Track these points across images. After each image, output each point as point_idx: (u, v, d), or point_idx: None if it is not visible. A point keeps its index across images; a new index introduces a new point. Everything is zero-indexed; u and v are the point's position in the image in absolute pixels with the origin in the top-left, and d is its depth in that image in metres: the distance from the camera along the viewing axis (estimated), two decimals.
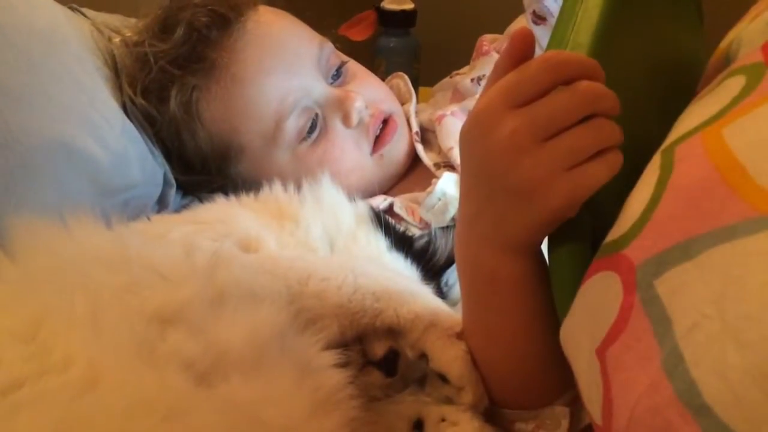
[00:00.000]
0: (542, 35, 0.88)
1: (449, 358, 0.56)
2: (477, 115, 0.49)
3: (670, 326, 0.34)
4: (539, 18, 0.94)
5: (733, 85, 0.40)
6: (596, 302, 0.41)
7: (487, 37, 1.03)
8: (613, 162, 0.45)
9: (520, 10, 0.98)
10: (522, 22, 0.97)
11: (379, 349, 0.59)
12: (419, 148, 0.93)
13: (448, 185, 0.81)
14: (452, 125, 0.90)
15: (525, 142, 0.46)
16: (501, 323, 0.54)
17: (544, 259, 0.51)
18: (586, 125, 0.45)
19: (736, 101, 0.39)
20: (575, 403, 0.55)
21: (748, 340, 0.31)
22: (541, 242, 0.51)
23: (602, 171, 0.45)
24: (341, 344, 0.56)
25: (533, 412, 0.56)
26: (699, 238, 0.35)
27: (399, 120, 0.93)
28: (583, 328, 0.42)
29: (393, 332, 0.59)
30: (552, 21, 0.90)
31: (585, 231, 0.47)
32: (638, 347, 0.36)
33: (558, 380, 0.53)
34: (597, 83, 0.45)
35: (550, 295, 0.49)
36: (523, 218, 0.48)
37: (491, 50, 1.00)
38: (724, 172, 0.35)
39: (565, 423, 0.55)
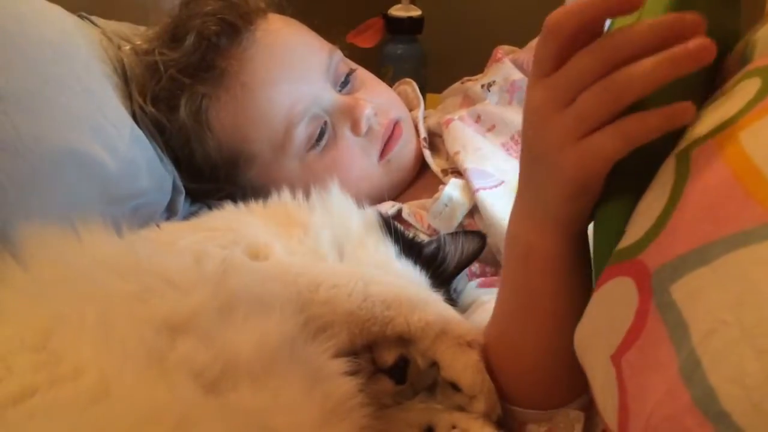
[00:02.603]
0: None
1: (461, 367, 0.56)
2: (526, 94, 0.49)
3: (687, 332, 0.34)
4: None
5: (749, 87, 0.40)
6: (611, 308, 0.41)
7: (503, 48, 1.03)
8: (626, 132, 0.42)
9: (525, 17, 0.98)
10: None
11: (389, 357, 0.58)
12: (427, 154, 0.93)
13: (454, 191, 0.81)
14: (459, 130, 0.90)
15: (548, 110, 0.46)
16: (531, 306, 0.54)
17: (586, 244, 0.51)
18: (593, 87, 0.43)
19: (751, 104, 0.38)
20: (590, 408, 0.55)
21: (767, 346, 0.30)
22: (581, 222, 0.50)
23: (608, 142, 0.43)
24: (351, 352, 0.56)
25: (547, 413, 0.56)
26: (716, 243, 0.34)
27: (405, 126, 0.93)
28: (598, 335, 0.42)
29: (403, 340, 0.58)
30: None
31: (628, 210, 0.44)
32: (654, 353, 0.35)
33: (577, 380, 0.52)
34: (614, 36, 0.42)
35: (584, 283, 0.48)
36: (549, 188, 0.48)
37: (504, 58, 1.00)
38: (741, 177, 0.35)
39: (578, 427, 0.54)
